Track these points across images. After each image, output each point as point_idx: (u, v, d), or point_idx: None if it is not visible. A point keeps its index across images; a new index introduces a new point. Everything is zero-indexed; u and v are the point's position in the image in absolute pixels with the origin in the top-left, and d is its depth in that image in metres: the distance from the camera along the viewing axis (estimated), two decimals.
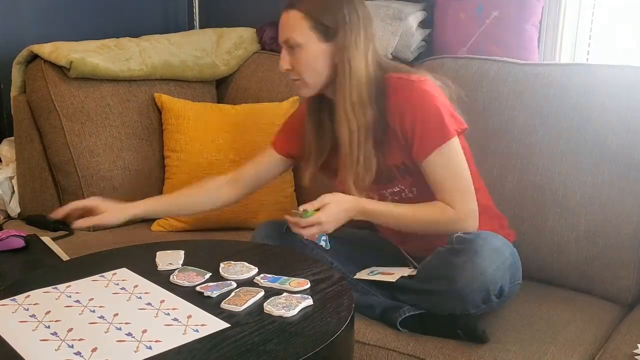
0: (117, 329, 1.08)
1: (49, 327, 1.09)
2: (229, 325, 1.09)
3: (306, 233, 1.44)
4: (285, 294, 1.20)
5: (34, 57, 2.04)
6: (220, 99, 2.35)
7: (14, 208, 2.10)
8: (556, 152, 1.70)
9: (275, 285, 1.24)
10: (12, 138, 2.13)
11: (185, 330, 1.07)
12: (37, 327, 1.09)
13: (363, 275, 1.56)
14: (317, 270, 1.32)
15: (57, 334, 1.06)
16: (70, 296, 1.20)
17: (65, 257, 1.75)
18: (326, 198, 1.46)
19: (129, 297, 1.19)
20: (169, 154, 2.06)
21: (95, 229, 2.00)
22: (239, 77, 2.34)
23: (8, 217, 2.09)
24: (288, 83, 2.21)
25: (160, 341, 1.04)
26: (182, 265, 1.34)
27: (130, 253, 1.45)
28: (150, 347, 1.02)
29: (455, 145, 1.48)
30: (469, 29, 2.03)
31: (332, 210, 1.45)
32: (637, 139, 1.65)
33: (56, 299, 1.18)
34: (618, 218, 1.64)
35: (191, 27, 2.71)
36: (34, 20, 2.28)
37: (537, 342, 1.40)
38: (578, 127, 1.70)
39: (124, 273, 1.30)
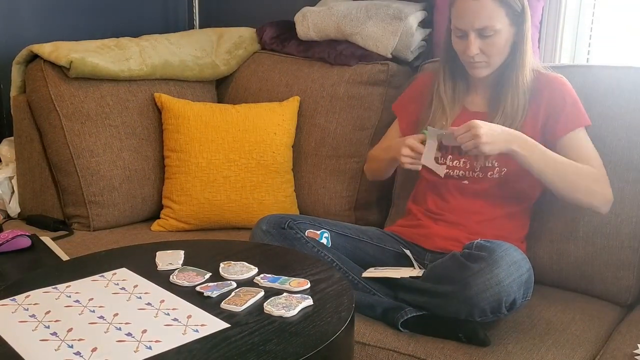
0: (117, 329, 1.08)
1: (48, 327, 1.08)
2: (229, 325, 1.09)
3: (461, 141, 1.48)
4: (285, 294, 1.20)
5: (34, 57, 2.04)
6: (220, 99, 2.35)
7: (14, 208, 2.10)
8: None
9: (275, 285, 1.24)
10: (12, 138, 2.13)
11: (185, 330, 1.07)
12: (37, 327, 1.09)
13: (369, 273, 1.56)
14: (317, 270, 1.32)
15: (57, 334, 1.06)
16: (70, 296, 1.20)
17: (65, 257, 1.75)
18: (472, 121, 1.49)
19: (129, 297, 1.19)
20: (169, 154, 2.06)
21: (95, 228, 2.01)
22: (239, 77, 2.34)
23: (8, 217, 2.09)
24: (288, 83, 2.21)
25: (160, 341, 1.04)
26: (182, 265, 1.34)
27: (130, 253, 1.45)
28: (150, 347, 1.02)
29: (586, 134, 1.62)
30: None
31: (494, 127, 1.50)
32: (636, 140, 1.65)
33: (56, 299, 1.18)
34: (617, 219, 1.64)
35: (191, 27, 2.71)
36: (34, 20, 2.28)
37: (538, 343, 1.40)
38: None
39: (124, 273, 1.30)
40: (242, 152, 2.03)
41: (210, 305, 1.16)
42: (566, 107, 1.62)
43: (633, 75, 1.70)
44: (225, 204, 2.01)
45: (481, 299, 1.33)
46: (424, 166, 1.60)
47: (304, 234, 1.58)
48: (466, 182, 1.68)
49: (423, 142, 1.59)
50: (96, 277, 1.28)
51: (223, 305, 1.16)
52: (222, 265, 1.33)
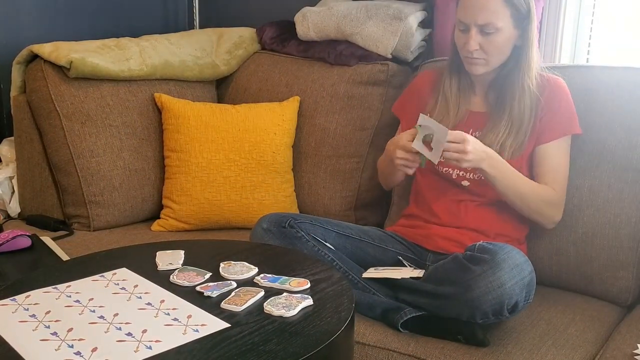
0: (117, 328, 1.08)
1: (49, 327, 1.09)
2: (229, 325, 1.09)
3: (447, 148, 1.48)
4: (285, 294, 1.20)
5: (34, 57, 2.04)
6: (220, 99, 2.35)
7: (14, 208, 2.10)
8: None
9: (275, 285, 1.24)
10: (12, 138, 2.12)
11: (185, 330, 1.07)
12: (37, 327, 1.09)
13: (370, 273, 1.56)
14: (317, 270, 1.32)
15: (57, 333, 1.06)
16: (70, 296, 1.20)
17: (65, 257, 1.75)
18: (464, 134, 1.51)
19: (129, 297, 1.19)
20: (169, 154, 2.06)
21: (95, 228, 2.01)
22: (239, 77, 2.34)
23: (8, 217, 2.09)
24: (288, 83, 2.21)
25: (160, 341, 1.04)
26: (182, 265, 1.34)
27: (130, 253, 1.45)
28: (150, 347, 1.02)
29: (569, 143, 1.66)
30: None
31: (477, 144, 1.52)
32: (636, 140, 1.65)
33: (56, 299, 1.18)
34: (617, 219, 1.64)
35: (191, 27, 2.71)
36: (34, 20, 2.28)
37: (538, 344, 1.41)
38: None
39: (124, 273, 1.30)
40: (242, 152, 2.03)
41: (211, 305, 1.16)
42: (559, 112, 1.63)
43: (632, 76, 1.70)
44: (225, 204, 2.01)
45: (483, 302, 1.32)
46: (421, 168, 1.60)
47: (305, 233, 1.58)
48: (466, 182, 1.68)
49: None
50: (96, 277, 1.28)
51: (223, 305, 1.16)
52: (222, 265, 1.33)
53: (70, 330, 1.07)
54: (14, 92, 2.08)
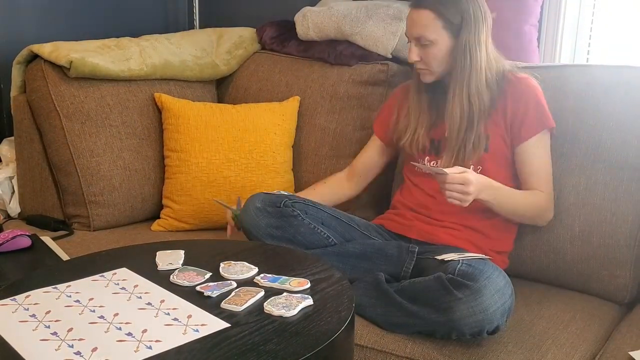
0: (117, 328, 1.08)
1: (49, 327, 1.09)
2: (229, 325, 1.09)
3: (450, 189, 1.49)
4: (285, 293, 1.20)
5: (34, 56, 2.04)
6: (220, 99, 2.35)
7: (14, 208, 2.10)
8: (552, 153, 1.70)
9: (275, 285, 1.24)
10: (12, 138, 2.13)
11: (185, 330, 1.07)
12: (37, 327, 1.09)
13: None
14: (317, 270, 1.32)
15: (57, 333, 1.06)
16: (70, 296, 1.20)
17: (65, 257, 1.75)
18: (470, 178, 1.51)
19: (129, 297, 1.19)
20: (169, 154, 2.06)
21: (95, 228, 2.01)
22: (239, 77, 2.34)
23: (8, 217, 2.09)
24: (288, 83, 2.21)
25: (160, 341, 1.04)
26: (182, 265, 1.34)
27: (130, 253, 1.45)
28: (150, 347, 1.02)
29: (548, 138, 1.67)
30: None
31: (478, 180, 1.53)
32: (631, 139, 1.65)
33: (56, 299, 1.18)
34: (613, 217, 1.64)
35: (191, 27, 2.71)
36: (34, 20, 2.28)
37: (538, 342, 1.41)
38: (573, 128, 1.70)
39: (124, 273, 1.30)
40: (242, 152, 2.03)
41: (211, 305, 1.16)
42: (529, 110, 1.64)
43: (628, 75, 1.70)
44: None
45: (463, 324, 1.31)
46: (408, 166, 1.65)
47: (300, 211, 1.61)
48: None
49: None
50: (96, 277, 1.28)
51: (223, 305, 1.16)
52: (222, 265, 1.33)
53: (70, 330, 1.07)
54: (14, 92, 2.09)
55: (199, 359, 0.99)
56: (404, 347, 1.40)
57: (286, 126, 2.09)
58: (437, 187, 1.69)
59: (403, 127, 1.76)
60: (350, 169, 1.94)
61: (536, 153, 1.65)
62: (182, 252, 1.40)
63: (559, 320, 1.51)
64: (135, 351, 1.01)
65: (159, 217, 2.06)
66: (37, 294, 1.20)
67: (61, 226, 2.00)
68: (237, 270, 1.31)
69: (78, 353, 1.00)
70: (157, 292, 1.22)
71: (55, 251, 1.78)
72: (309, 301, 1.17)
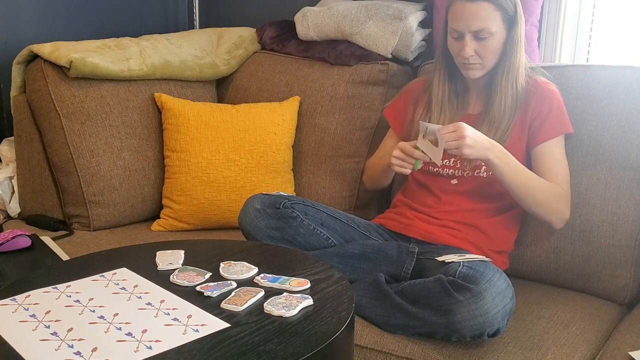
0: (117, 328, 1.08)
1: (49, 327, 1.09)
2: (229, 325, 1.09)
3: (446, 139, 1.49)
4: (285, 293, 1.20)
5: (34, 57, 2.04)
6: (220, 99, 2.35)
7: (14, 208, 2.10)
8: None
9: (275, 285, 1.24)
10: (12, 138, 2.13)
11: (185, 330, 1.07)
12: (37, 327, 1.09)
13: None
14: (317, 270, 1.32)
15: (57, 333, 1.06)
16: (70, 296, 1.20)
17: (65, 257, 1.75)
18: (461, 124, 1.52)
19: (129, 297, 1.19)
20: (169, 154, 2.06)
21: (95, 228, 2.01)
22: (239, 77, 2.34)
23: (8, 217, 2.09)
24: (288, 83, 2.21)
25: (160, 341, 1.04)
26: (182, 265, 1.34)
27: (130, 253, 1.45)
28: (150, 347, 1.02)
29: (564, 142, 1.67)
30: None
31: (477, 134, 1.53)
32: (633, 139, 1.66)
33: (56, 299, 1.18)
34: (614, 217, 1.64)
35: (191, 27, 2.71)
36: (34, 20, 2.28)
37: (538, 343, 1.41)
38: (574, 128, 1.70)
39: (124, 273, 1.30)
40: (242, 152, 2.03)
41: (211, 305, 1.16)
42: (551, 114, 1.64)
43: (629, 75, 1.70)
44: (225, 204, 2.01)
45: (464, 327, 1.31)
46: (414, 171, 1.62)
47: (300, 212, 1.61)
48: (455, 181, 1.69)
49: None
50: (96, 277, 1.28)
51: (223, 305, 1.16)
52: (222, 265, 1.33)
53: (70, 330, 1.07)
54: (14, 92, 2.09)
55: (199, 359, 0.99)
56: (404, 347, 1.40)
57: (286, 126, 2.09)
58: (443, 186, 1.69)
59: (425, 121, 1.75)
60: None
61: (553, 155, 1.65)
62: (182, 252, 1.40)
63: (559, 320, 1.51)
64: (135, 351, 1.01)
65: (159, 217, 2.06)
66: (37, 294, 1.20)
67: (61, 226, 2.00)
68: (237, 270, 1.31)
69: (78, 353, 1.00)
70: (157, 292, 1.22)
71: (55, 251, 1.78)
72: (309, 301, 1.17)
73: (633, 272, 1.65)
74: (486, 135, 1.59)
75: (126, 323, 1.10)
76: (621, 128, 1.67)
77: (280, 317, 1.12)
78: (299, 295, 1.20)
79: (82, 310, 1.14)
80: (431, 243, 1.65)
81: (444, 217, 1.68)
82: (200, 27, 2.68)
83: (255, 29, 2.42)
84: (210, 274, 1.29)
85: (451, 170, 1.69)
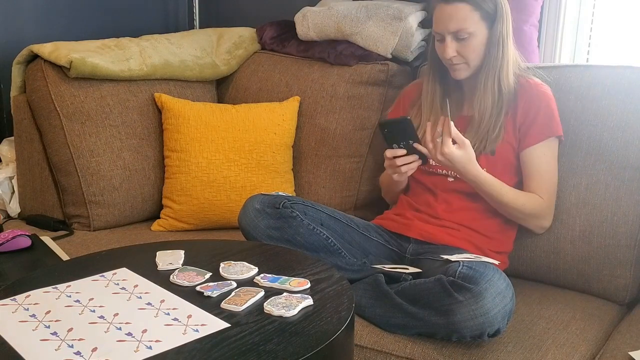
0: (117, 328, 1.08)
1: (49, 327, 1.09)
2: (229, 325, 1.09)
3: (445, 142, 1.51)
4: (285, 293, 1.20)
5: (34, 57, 2.04)
6: (220, 99, 2.35)
7: (14, 208, 2.10)
8: None
9: (275, 285, 1.24)
10: (12, 138, 2.13)
11: (185, 330, 1.07)
12: (37, 327, 1.09)
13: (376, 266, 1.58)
14: (317, 270, 1.32)
15: (57, 333, 1.06)
16: (70, 296, 1.20)
17: (65, 257, 1.75)
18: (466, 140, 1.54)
19: (129, 297, 1.19)
20: (169, 154, 2.06)
21: (95, 228, 2.01)
22: (239, 77, 2.34)
23: (8, 217, 2.09)
24: (288, 83, 2.21)
25: (160, 341, 1.04)
26: (182, 265, 1.34)
27: (130, 253, 1.45)
28: (150, 347, 1.02)
29: (556, 145, 1.67)
30: None
31: (455, 157, 1.54)
32: (632, 139, 1.66)
33: (56, 299, 1.18)
34: (614, 217, 1.65)
35: (191, 27, 2.71)
36: (34, 20, 2.28)
37: (538, 343, 1.41)
38: (573, 128, 1.70)
39: (124, 273, 1.30)
40: (242, 152, 2.03)
41: (211, 305, 1.16)
42: (538, 117, 1.64)
43: (629, 75, 1.70)
44: (225, 204, 2.01)
45: (464, 327, 1.31)
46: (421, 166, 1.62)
47: (300, 213, 1.61)
48: (451, 179, 1.70)
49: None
50: (96, 277, 1.28)
51: (223, 305, 1.16)
52: (222, 265, 1.33)
53: (70, 330, 1.07)
54: (14, 92, 2.09)
55: (199, 359, 0.99)
56: (404, 347, 1.40)
57: (286, 126, 2.09)
58: (440, 184, 1.70)
59: (416, 124, 1.75)
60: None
61: (541, 159, 1.64)
62: (182, 252, 1.40)
63: (559, 320, 1.51)
64: (135, 351, 1.01)
65: (159, 217, 2.06)
66: (37, 294, 1.20)
67: (61, 226, 2.00)
68: (237, 270, 1.31)
69: (78, 353, 1.00)
70: (157, 292, 1.22)
71: (55, 251, 1.78)
72: (309, 301, 1.17)
73: (633, 272, 1.65)
74: (472, 138, 1.61)
75: (126, 323, 1.10)
76: (621, 128, 1.67)
77: (280, 317, 1.12)
78: (299, 295, 1.20)
79: (82, 310, 1.14)
80: (431, 243, 1.65)
81: (443, 217, 1.68)
82: (200, 27, 2.68)
83: (255, 29, 2.42)
84: (210, 274, 1.29)
85: (445, 170, 1.69)
